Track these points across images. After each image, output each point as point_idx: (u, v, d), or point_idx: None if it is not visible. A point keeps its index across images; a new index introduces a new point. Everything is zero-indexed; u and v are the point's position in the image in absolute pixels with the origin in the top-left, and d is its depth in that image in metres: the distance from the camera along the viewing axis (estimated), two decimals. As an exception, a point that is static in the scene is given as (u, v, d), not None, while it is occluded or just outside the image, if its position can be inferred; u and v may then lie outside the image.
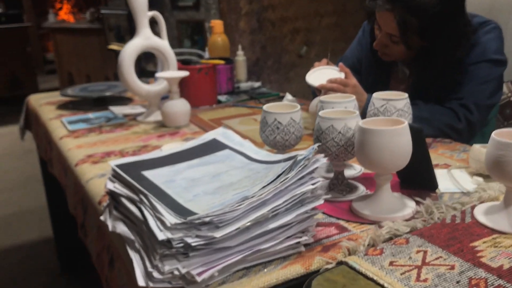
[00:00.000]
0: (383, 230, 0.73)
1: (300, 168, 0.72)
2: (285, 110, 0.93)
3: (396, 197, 0.84)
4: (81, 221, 1.11)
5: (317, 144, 0.77)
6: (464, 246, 0.66)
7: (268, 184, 0.71)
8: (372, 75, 1.47)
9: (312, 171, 0.73)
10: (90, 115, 1.58)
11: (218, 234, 0.63)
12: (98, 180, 1.05)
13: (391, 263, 0.63)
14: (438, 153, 1.11)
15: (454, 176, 0.95)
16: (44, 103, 1.80)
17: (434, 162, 1.04)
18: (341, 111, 0.89)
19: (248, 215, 0.67)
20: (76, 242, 2.02)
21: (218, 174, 0.80)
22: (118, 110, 1.60)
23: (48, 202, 2.05)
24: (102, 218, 0.84)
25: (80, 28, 4.65)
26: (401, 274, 0.61)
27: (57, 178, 1.43)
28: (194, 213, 0.66)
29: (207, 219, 0.64)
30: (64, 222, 2.04)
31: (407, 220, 0.78)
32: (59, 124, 1.50)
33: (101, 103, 1.71)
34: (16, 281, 2.08)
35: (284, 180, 0.70)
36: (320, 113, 0.87)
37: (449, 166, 1.02)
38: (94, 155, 1.21)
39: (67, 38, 4.72)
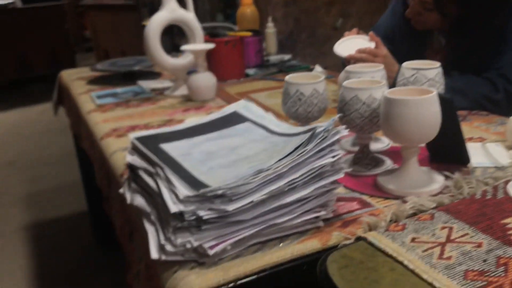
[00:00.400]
0: (407, 205, 0.69)
1: (319, 140, 0.69)
2: (308, 80, 0.90)
3: (423, 172, 0.79)
4: (106, 194, 1.12)
5: (338, 115, 0.74)
6: (494, 223, 0.62)
7: (285, 157, 0.68)
8: (406, 45, 1.40)
9: (333, 143, 0.70)
10: (119, 89, 1.58)
11: (230, 207, 0.61)
12: (121, 153, 1.05)
13: (413, 240, 0.60)
14: (473, 126, 1.05)
15: (488, 150, 0.90)
16: (75, 79, 1.81)
17: (468, 135, 0.99)
18: (367, 81, 0.85)
19: (263, 188, 0.64)
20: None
21: (236, 147, 0.78)
22: (146, 84, 1.60)
23: (82, 176, 2.09)
24: (121, 190, 0.83)
25: (115, 4, 4.68)
26: (423, 251, 0.57)
27: (86, 152, 1.45)
28: (208, 186, 0.64)
29: (219, 192, 0.62)
30: (98, 196, 2.08)
31: (434, 195, 0.73)
32: (88, 99, 1.51)
33: (131, 77, 1.71)
34: (54, 252, 2.15)
35: (302, 153, 0.67)
36: (344, 83, 0.83)
37: (484, 140, 0.97)
38: (119, 129, 1.21)
39: (103, 15, 4.76)
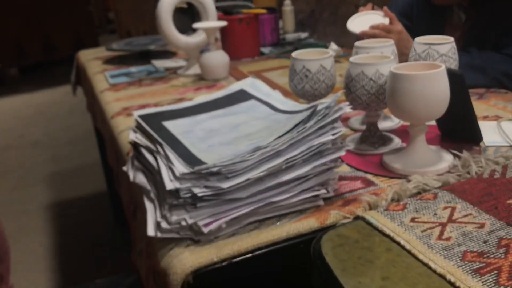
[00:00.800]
0: (410, 185, 0.67)
1: (320, 117, 0.67)
2: (315, 56, 0.87)
3: (431, 150, 0.76)
4: (116, 172, 1.13)
5: (340, 92, 0.71)
6: (499, 203, 0.59)
7: (284, 134, 0.67)
8: (424, 21, 1.35)
9: (334, 121, 0.68)
10: (133, 68, 1.58)
11: (226, 184, 0.60)
12: (129, 132, 1.04)
13: (412, 220, 0.58)
14: (490, 104, 1.01)
15: (503, 129, 0.86)
16: (91, 59, 1.82)
17: (484, 113, 0.95)
18: (376, 57, 0.82)
19: (260, 166, 0.63)
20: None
21: (238, 125, 0.77)
22: (160, 63, 1.59)
23: (101, 156, 2.12)
24: (124, 168, 0.83)
25: (137, -15, 4.67)
26: (422, 231, 0.55)
27: (101, 132, 1.46)
28: (204, 163, 0.63)
29: (214, 169, 0.61)
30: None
31: (440, 175, 0.71)
32: (102, 78, 1.52)
33: (146, 57, 1.71)
34: (75, 230, 2.19)
35: (301, 130, 0.66)
36: (351, 58, 0.81)
37: (500, 118, 0.93)
38: (129, 108, 1.21)
39: (125, -4, 4.77)
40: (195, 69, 1.46)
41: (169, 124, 0.79)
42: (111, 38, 5.86)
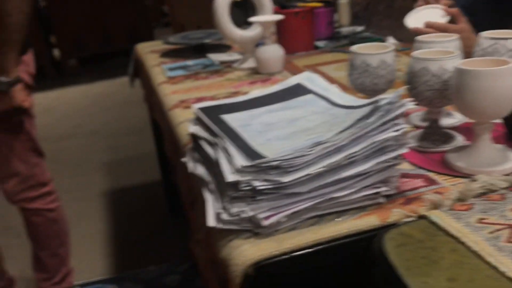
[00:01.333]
0: (476, 184, 0.65)
1: (382, 113, 0.66)
2: (376, 50, 0.86)
3: (497, 149, 0.74)
4: (173, 163, 1.15)
5: (403, 88, 0.70)
6: None
7: (345, 130, 0.66)
8: (489, 15, 1.30)
9: (397, 117, 0.66)
10: (189, 62, 1.61)
11: (286, 179, 0.61)
12: (187, 124, 1.07)
13: (479, 220, 0.56)
14: (560, 102, 0.96)
15: None
16: (149, 51, 1.87)
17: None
18: (439, 51, 0.80)
19: (321, 161, 0.63)
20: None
21: (295, 119, 0.77)
22: (216, 57, 1.61)
23: (156, 147, 2.17)
24: (184, 159, 0.85)
25: (191, -21, 4.73)
26: (490, 232, 0.54)
27: (158, 123, 1.50)
28: (264, 157, 0.64)
29: (274, 163, 0.62)
30: (170, 166, 2.16)
31: (507, 175, 0.68)
32: (159, 71, 1.55)
33: (201, 50, 1.73)
34: (130, 218, 2.27)
35: (363, 126, 0.65)
36: (413, 53, 0.79)
37: None
38: (186, 100, 1.23)
39: (179, -11, 4.84)
40: (250, 63, 1.47)
41: (228, 117, 0.81)
42: (165, 31, 5.98)
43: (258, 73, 1.40)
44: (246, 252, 0.58)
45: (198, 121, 0.84)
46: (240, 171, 0.63)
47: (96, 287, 1.79)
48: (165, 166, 2.22)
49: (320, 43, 1.66)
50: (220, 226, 0.63)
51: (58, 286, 1.60)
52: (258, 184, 0.61)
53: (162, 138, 1.44)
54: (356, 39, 1.68)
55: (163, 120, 1.29)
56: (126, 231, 2.17)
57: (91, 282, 1.81)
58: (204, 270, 0.76)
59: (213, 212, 0.67)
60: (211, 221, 0.65)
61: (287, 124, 0.75)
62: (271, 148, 0.67)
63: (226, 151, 0.69)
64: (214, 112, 0.83)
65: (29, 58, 1.37)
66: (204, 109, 0.84)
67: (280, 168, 0.62)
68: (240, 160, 0.64)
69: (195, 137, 0.85)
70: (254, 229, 0.62)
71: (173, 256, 1.94)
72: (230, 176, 0.63)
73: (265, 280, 0.58)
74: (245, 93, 1.22)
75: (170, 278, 1.80)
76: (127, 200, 2.44)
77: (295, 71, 1.38)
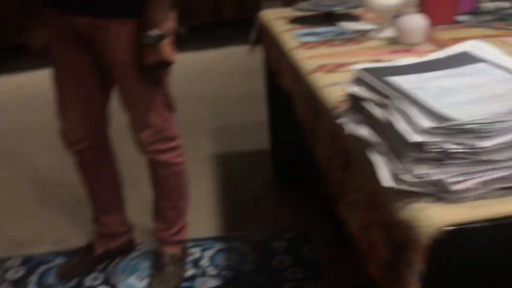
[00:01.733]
0: None
1: None
2: None
3: None
4: (310, 127, 1.14)
5: None
6: None
7: (546, 98, 0.60)
8: None
9: None
10: (320, 29, 1.58)
11: (484, 143, 0.57)
12: (331, 88, 1.05)
13: None
14: None
15: None
16: (275, 18, 1.86)
17: None
18: None
19: (520, 129, 0.58)
20: (290, 153, 2.15)
21: (476, 85, 0.72)
22: (347, 26, 1.57)
23: (270, 115, 2.18)
24: (339, 121, 0.84)
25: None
26: None
27: (285, 88, 1.50)
28: (453, 119, 0.60)
29: (468, 127, 0.58)
30: (282, 135, 2.17)
31: None
32: (290, 37, 1.54)
33: (329, 19, 1.70)
34: (236, 181, 2.32)
35: None
36: None
37: None
38: (326, 65, 1.21)
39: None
40: (388, 32, 1.41)
41: (396, 80, 0.77)
42: (271, 4, 5.98)
43: (397, 43, 1.34)
44: (435, 215, 0.55)
45: (360, 82, 0.81)
46: (427, 132, 0.59)
47: (206, 243, 1.85)
48: (275, 134, 2.23)
49: (460, 18, 1.56)
50: (402, 187, 0.60)
51: (175, 237, 1.67)
52: (451, 147, 0.57)
53: (282, 107, 1.43)
54: (504, 14, 1.55)
55: (299, 84, 1.28)
56: (233, 195, 2.22)
57: (201, 238, 1.88)
58: (360, 232, 0.74)
59: (387, 172, 0.64)
60: (387, 182, 0.63)
61: (469, 89, 0.70)
62: (458, 111, 0.63)
63: (403, 112, 0.66)
64: (378, 74, 0.80)
65: (173, 16, 1.41)
66: (368, 70, 0.81)
67: (475, 132, 0.58)
68: (425, 121, 0.61)
69: (354, 99, 0.82)
70: (439, 193, 0.59)
71: (279, 223, 1.96)
72: (414, 137, 0.60)
73: (452, 246, 0.55)
74: (388, 61, 1.18)
75: (277, 244, 1.82)
76: (233, 164, 2.50)
77: (439, 43, 1.31)
